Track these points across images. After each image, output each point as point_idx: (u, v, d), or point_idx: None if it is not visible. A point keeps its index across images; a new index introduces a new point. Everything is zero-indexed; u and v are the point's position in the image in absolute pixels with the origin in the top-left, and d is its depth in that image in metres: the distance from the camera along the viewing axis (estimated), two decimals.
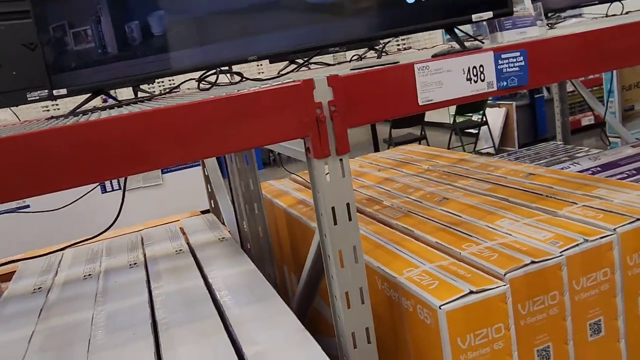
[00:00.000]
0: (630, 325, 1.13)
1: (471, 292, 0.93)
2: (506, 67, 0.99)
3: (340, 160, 0.90)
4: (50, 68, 1.31)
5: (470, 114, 6.05)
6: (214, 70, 1.39)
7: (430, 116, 6.34)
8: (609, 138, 3.37)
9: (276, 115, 0.86)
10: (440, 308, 0.91)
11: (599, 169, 1.86)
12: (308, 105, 0.87)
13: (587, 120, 6.06)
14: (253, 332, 1.01)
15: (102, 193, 4.84)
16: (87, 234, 1.92)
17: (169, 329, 1.09)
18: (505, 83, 1.00)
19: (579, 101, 6.06)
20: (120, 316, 1.20)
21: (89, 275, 1.52)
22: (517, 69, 1.00)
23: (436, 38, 7.59)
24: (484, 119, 5.83)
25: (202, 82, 1.40)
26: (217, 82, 1.38)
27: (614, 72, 3.20)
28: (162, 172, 5.02)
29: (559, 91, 3.12)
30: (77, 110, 1.39)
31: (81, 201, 4.44)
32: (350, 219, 0.92)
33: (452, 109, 6.14)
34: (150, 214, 2.73)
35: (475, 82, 0.98)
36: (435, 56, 0.99)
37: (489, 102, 5.90)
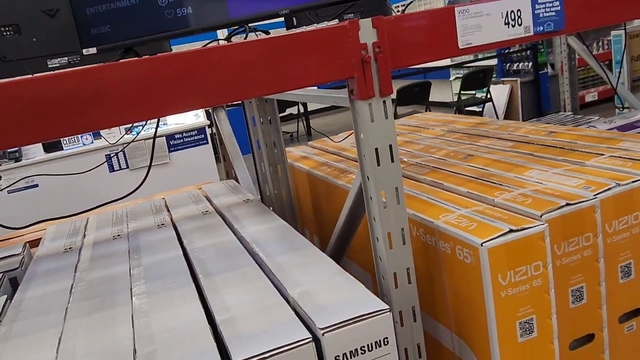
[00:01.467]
0: None
1: (511, 231, 0.95)
2: (543, 12, 1.00)
3: (384, 102, 0.92)
4: (80, 26, 1.31)
5: (474, 92, 6.05)
6: (242, 29, 1.40)
7: (433, 95, 6.35)
8: (621, 106, 3.39)
9: (323, 56, 0.87)
10: (482, 245, 0.93)
11: (615, 129, 1.88)
12: (354, 46, 0.88)
13: (590, 96, 6.08)
14: (294, 276, 1.03)
15: (110, 172, 4.86)
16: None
17: (210, 277, 1.11)
18: (542, 28, 1.01)
19: (582, 77, 6.07)
20: (157, 268, 1.22)
21: (118, 235, 1.54)
22: (553, 13, 1.01)
23: (437, 4, 7.57)
24: (489, 96, 5.83)
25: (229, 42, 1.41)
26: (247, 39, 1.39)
27: (624, 42, 3.21)
28: (169, 151, 5.03)
29: (569, 62, 3.13)
30: None
31: (89, 179, 4.46)
32: (392, 161, 0.94)
33: (456, 87, 6.14)
34: (160, 191, 2.74)
35: (513, 26, 0.99)
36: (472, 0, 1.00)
37: (493, 79, 5.91)
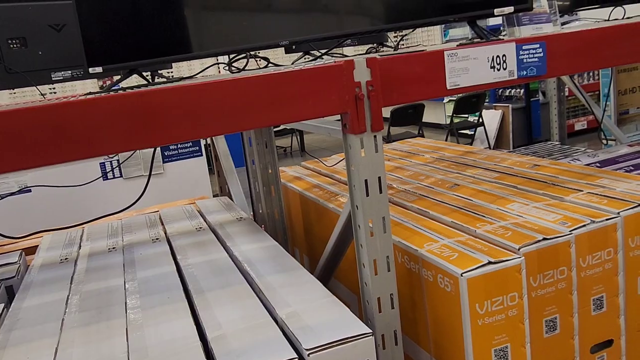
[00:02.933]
0: (630, 303, 1.22)
1: (490, 263, 1.01)
2: (526, 58, 1.07)
3: (375, 136, 0.98)
4: (88, 44, 1.37)
5: (467, 115, 6.16)
6: (242, 55, 1.46)
7: (427, 116, 6.44)
8: (605, 139, 3.48)
9: (319, 92, 0.93)
10: (462, 275, 0.99)
11: (597, 164, 1.95)
12: (348, 84, 0.94)
13: (580, 125, 6.20)
14: (283, 297, 1.08)
15: (104, 180, 4.89)
16: (90, 218, 1.98)
17: (202, 293, 1.16)
18: (525, 72, 1.08)
19: (573, 106, 6.20)
20: (151, 282, 1.26)
21: (113, 248, 1.59)
22: (536, 59, 1.08)
23: (435, 38, 7.71)
24: (481, 120, 5.94)
25: (231, 67, 1.47)
26: (246, 67, 1.45)
27: (612, 76, 3.31)
28: (163, 161, 5.07)
29: (557, 93, 3.23)
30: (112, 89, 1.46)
31: (84, 188, 4.48)
32: (380, 192, 1.00)
33: (449, 109, 6.24)
34: (153, 202, 2.79)
35: (499, 70, 1.06)
36: (461, 45, 1.06)
37: (485, 104, 6.02)
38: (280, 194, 1.75)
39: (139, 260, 1.44)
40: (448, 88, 1.02)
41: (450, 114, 6.03)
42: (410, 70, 1.00)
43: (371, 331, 0.91)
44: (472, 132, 6.15)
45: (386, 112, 5.75)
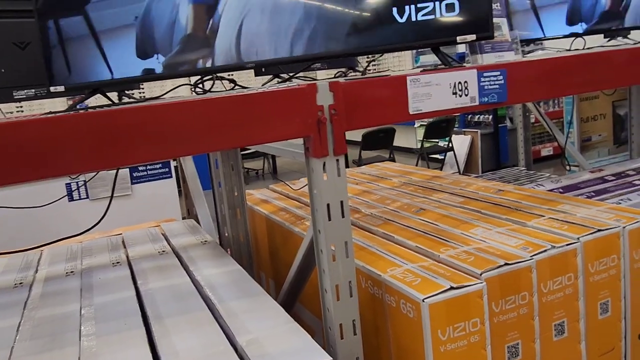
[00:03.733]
0: (591, 328, 1.22)
1: (451, 288, 1.01)
2: (488, 84, 1.09)
3: (337, 160, 0.97)
4: (50, 64, 1.34)
5: (437, 140, 6.25)
6: (208, 77, 1.45)
7: (398, 140, 6.51)
8: (568, 166, 3.57)
9: (282, 115, 0.92)
10: (423, 301, 0.98)
11: (561, 190, 1.98)
12: (311, 108, 0.94)
13: (546, 151, 6.35)
14: (243, 323, 1.06)
15: (69, 201, 4.77)
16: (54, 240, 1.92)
17: (161, 320, 1.12)
18: (486, 99, 1.10)
19: (539, 133, 6.35)
20: (109, 308, 1.22)
21: (71, 272, 1.53)
22: (497, 86, 1.10)
23: (406, 64, 7.84)
24: (450, 145, 6.03)
25: (197, 88, 1.46)
26: (211, 89, 1.44)
27: (574, 104, 3.40)
28: (132, 183, 4.98)
29: (523, 120, 3.30)
30: (74, 109, 1.43)
31: (48, 208, 4.37)
32: (343, 216, 0.99)
33: (420, 134, 6.32)
34: (119, 224, 2.73)
35: (460, 96, 1.07)
36: (424, 71, 1.08)
37: (455, 129, 6.13)
38: (246, 217, 1.73)
39: (97, 285, 1.39)
40: (411, 113, 1.03)
41: (421, 139, 6.11)
42: (373, 95, 1.00)
43: (332, 358, 0.89)
44: (442, 157, 6.23)
45: (357, 135, 5.78)
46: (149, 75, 1.36)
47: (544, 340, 1.15)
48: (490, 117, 6.19)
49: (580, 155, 2.98)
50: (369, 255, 1.24)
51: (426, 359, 0.99)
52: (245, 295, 1.20)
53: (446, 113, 1.06)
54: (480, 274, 1.06)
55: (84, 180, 4.82)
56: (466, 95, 1.08)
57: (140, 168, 5.05)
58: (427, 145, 6.18)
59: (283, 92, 0.93)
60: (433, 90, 1.05)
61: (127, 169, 4.99)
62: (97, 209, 4.82)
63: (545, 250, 1.14)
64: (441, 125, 5.79)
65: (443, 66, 1.20)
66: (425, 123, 6.07)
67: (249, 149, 7.48)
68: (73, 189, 4.77)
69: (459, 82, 1.07)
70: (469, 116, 6.48)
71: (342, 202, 0.99)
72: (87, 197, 4.84)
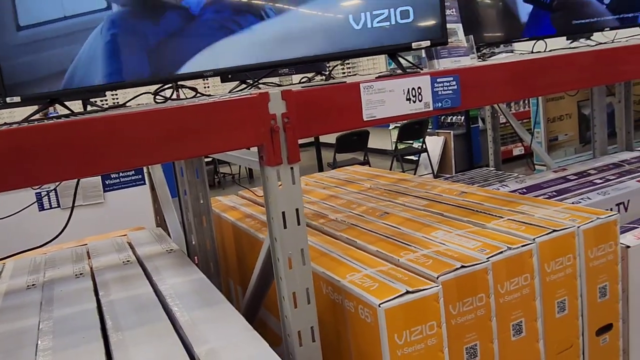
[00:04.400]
0: (548, 327, 1.25)
1: (407, 292, 1.02)
2: (441, 90, 1.11)
3: (291, 168, 0.98)
4: (5, 74, 1.32)
5: (411, 142, 6.30)
6: (169, 85, 1.45)
7: (373, 142, 6.55)
8: (535, 165, 3.64)
9: (234, 124, 0.93)
10: (379, 306, 0.99)
11: (524, 190, 2.02)
12: (263, 116, 0.94)
13: (517, 150, 6.45)
14: (203, 333, 1.06)
15: (40, 211, 4.69)
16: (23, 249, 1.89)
17: (119, 332, 1.11)
18: (440, 104, 1.11)
19: (511, 132, 6.44)
20: (68, 322, 1.20)
21: (33, 285, 1.51)
22: (450, 92, 1.12)
23: (380, 66, 7.89)
24: (424, 146, 6.09)
25: (157, 97, 1.45)
26: (172, 96, 1.43)
27: (540, 105, 3.47)
28: (104, 190, 4.92)
29: (492, 121, 3.35)
30: (30, 119, 1.41)
31: (17, 218, 4.29)
32: (299, 224, 1.00)
33: (395, 136, 6.37)
34: (91, 233, 2.69)
35: (414, 102, 1.09)
36: (379, 77, 1.09)
37: (428, 130, 6.19)
38: (212, 224, 1.72)
39: (58, 298, 1.37)
40: (364, 119, 1.04)
41: (395, 141, 6.16)
42: (327, 102, 1.01)
43: None
44: (417, 158, 6.29)
45: (332, 138, 5.77)
46: (108, 85, 1.35)
47: (502, 341, 1.17)
48: (463, 118, 6.27)
49: (546, 155, 3.04)
50: (330, 262, 1.24)
51: None
52: (206, 304, 1.20)
53: (400, 119, 1.08)
54: (437, 277, 1.07)
55: (54, 189, 4.74)
56: (420, 101, 1.10)
57: (112, 175, 4.99)
58: (401, 147, 6.23)
59: (235, 102, 0.93)
60: (387, 96, 1.06)
61: (99, 177, 4.92)
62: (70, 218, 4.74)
63: (501, 252, 1.16)
64: (414, 127, 5.84)
65: (400, 72, 1.21)
66: (399, 125, 6.12)
67: None
68: (43, 197, 4.69)
69: (413, 88, 1.09)
70: (442, 117, 6.55)
71: (297, 209, 0.99)
72: (59, 206, 4.77)
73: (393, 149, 6.28)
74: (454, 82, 1.12)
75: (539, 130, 3.56)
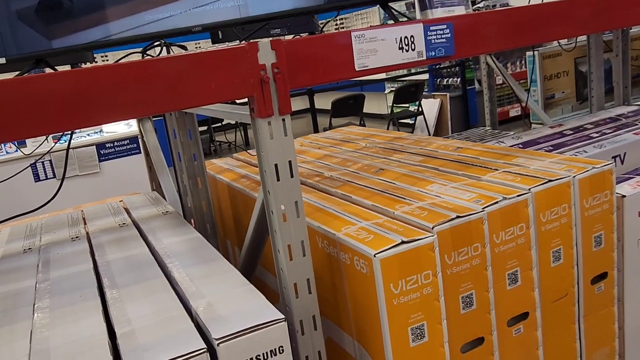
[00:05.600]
0: (544, 276, 1.26)
1: (403, 242, 1.02)
2: (434, 38, 1.08)
3: (283, 120, 0.96)
4: None
5: (407, 105, 6.25)
6: (157, 43, 1.42)
7: (369, 107, 6.50)
8: (532, 124, 3.62)
9: (222, 75, 0.91)
10: (374, 256, 0.99)
11: (520, 146, 2.01)
12: (252, 67, 0.92)
13: (514, 111, 6.41)
14: (199, 288, 1.06)
15: (36, 181, 4.68)
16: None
17: (116, 289, 1.12)
18: (433, 53, 1.09)
19: (508, 94, 6.39)
20: (64, 282, 1.21)
21: (29, 249, 1.51)
22: (444, 40, 1.09)
23: (373, 21, 7.78)
24: (420, 109, 6.04)
25: (146, 55, 1.42)
26: (161, 54, 1.40)
27: (537, 62, 3.43)
28: (99, 160, 4.90)
29: (488, 80, 3.31)
30: None
31: (14, 188, 4.27)
32: (292, 176, 0.99)
33: (391, 100, 6.32)
34: (88, 202, 2.69)
35: (407, 51, 1.06)
36: (371, 26, 1.06)
37: (424, 93, 6.13)
38: (207, 186, 1.72)
39: (54, 260, 1.37)
40: (357, 69, 1.02)
41: (391, 104, 6.11)
42: (317, 52, 0.99)
43: (284, 317, 0.89)
44: (413, 121, 6.25)
45: (327, 104, 5.72)
46: (95, 42, 1.32)
47: (498, 289, 1.18)
48: (459, 80, 6.21)
49: (543, 112, 3.02)
50: (326, 216, 1.24)
51: (380, 313, 1.01)
52: (202, 261, 1.20)
53: (393, 69, 1.06)
54: (432, 228, 1.07)
55: (49, 160, 4.72)
56: (413, 50, 1.07)
57: (107, 145, 4.96)
58: (397, 110, 6.19)
59: (223, 52, 0.90)
60: (379, 45, 1.03)
61: (94, 147, 4.89)
62: (66, 188, 4.73)
63: (496, 202, 1.16)
64: (410, 90, 5.79)
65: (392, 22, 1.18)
66: (395, 88, 6.07)
67: (221, 121, 7.40)
68: (39, 170, 4.67)
69: (405, 37, 1.06)
70: (438, 80, 6.49)
71: (290, 162, 0.98)
72: (54, 177, 4.75)
73: (389, 112, 6.23)
74: (448, 30, 1.10)
75: (535, 89, 3.52)
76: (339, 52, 1.01)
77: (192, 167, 1.70)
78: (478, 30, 1.14)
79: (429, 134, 6.28)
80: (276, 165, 0.97)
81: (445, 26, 1.09)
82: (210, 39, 2.05)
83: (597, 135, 2.02)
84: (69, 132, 1.72)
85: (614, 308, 1.40)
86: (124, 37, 1.28)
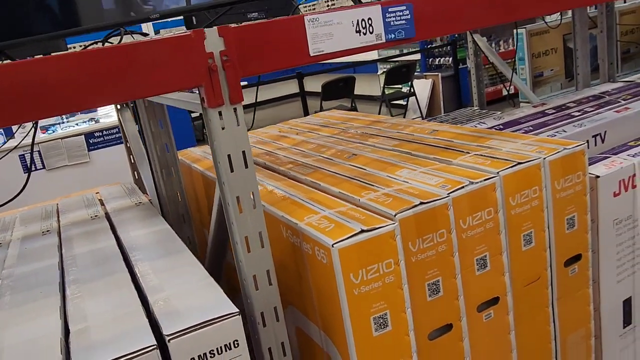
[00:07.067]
0: (514, 260, 1.24)
1: (362, 231, 1.00)
2: (393, 20, 1.05)
3: (235, 109, 0.94)
4: None
5: (399, 86, 6.20)
6: (117, 32, 1.38)
7: (361, 89, 6.44)
8: (521, 103, 3.58)
9: (168, 65, 0.88)
10: (332, 246, 0.97)
11: (501, 126, 1.98)
12: (200, 55, 0.89)
13: (505, 90, 6.35)
14: (159, 282, 1.04)
15: (25, 172, 4.65)
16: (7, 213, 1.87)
17: (78, 285, 1.10)
18: (393, 35, 1.06)
19: (500, 72, 6.32)
20: (28, 278, 1.19)
21: None
22: (403, 22, 1.06)
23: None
24: (412, 90, 5.99)
25: (105, 44, 1.39)
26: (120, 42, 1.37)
27: (525, 40, 3.38)
28: (88, 150, 4.87)
29: (475, 59, 3.27)
30: None
31: (2, 179, 4.23)
32: (246, 167, 0.96)
33: (382, 80, 6.26)
34: (78, 191, 2.68)
35: (365, 34, 1.03)
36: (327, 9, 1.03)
37: (416, 74, 6.07)
38: (180, 174, 1.69)
39: (22, 255, 1.35)
40: (311, 55, 0.99)
41: (382, 85, 6.06)
42: (269, 38, 0.96)
43: (237, 311, 0.88)
44: (405, 102, 6.20)
45: (317, 87, 5.67)
46: (52, 33, 1.29)
47: (466, 275, 1.16)
48: (451, 59, 6.15)
49: (529, 90, 2.98)
50: (291, 205, 1.22)
51: (341, 303, 0.99)
52: (166, 254, 1.18)
53: (350, 53, 1.03)
54: (395, 215, 1.05)
55: (39, 151, 4.69)
56: (371, 32, 1.04)
57: (96, 134, 4.93)
58: (389, 91, 6.14)
59: (167, 41, 0.88)
60: (334, 29, 1.00)
61: (83, 137, 4.86)
62: (55, 178, 4.72)
63: (462, 187, 1.14)
64: (402, 71, 5.73)
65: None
66: (386, 69, 6.01)
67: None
68: (27, 161, 4.64)
69: (363, 20, 1.03)
70: (430, 60, 6.42)
71: (244, 152, 0.96)
72: (44, 167, 4.73)
73: (381, 94, 6.18)
74: (407, 12, 1.06)
75: (523, 67, 3.48)
76: (292, 38, 0.97)
77: (165, 157, 1.68)
78: (440, 9, 1.10)
79: (422, 115, 6.24)
80: (229, 156, 0.95)
81: (404, 7, 1.06)
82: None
83: (579, 114, 1.99)
84: (36, 122, 1.69)
85: (588, 290, 1.39)
86: (82, 27, 1.25)
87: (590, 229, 1.36)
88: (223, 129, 0.93)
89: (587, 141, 1.75)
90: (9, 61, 1.01)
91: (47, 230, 1.53)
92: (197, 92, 0.94)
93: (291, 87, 8.09)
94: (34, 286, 1.14)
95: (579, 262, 1.35)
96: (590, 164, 1.40)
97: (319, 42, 0.99)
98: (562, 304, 1.34)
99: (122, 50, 0.84)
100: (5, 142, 4.67)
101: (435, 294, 1.12)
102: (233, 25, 0.92)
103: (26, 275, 1.21)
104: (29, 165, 4.58)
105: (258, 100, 2.20)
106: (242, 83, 0.96)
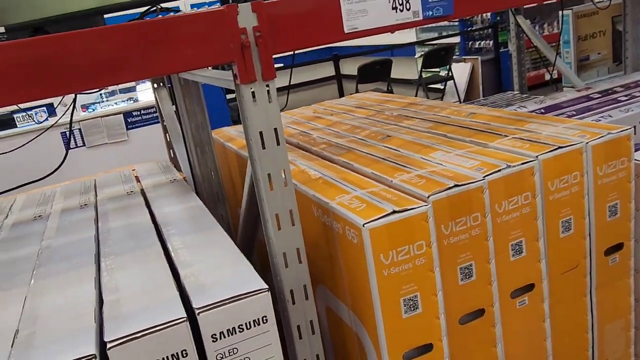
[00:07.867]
0: (552, 247, 1.20)
1: (394, 212, 0.98)
2: None
3: (267, 85, 0.93)
4: None
5: (437, 69, 6.08)
6: (154, 8, 1.39)
7: (398, 72, 6.35)
8: (565, 88, 3.46)
9: (201, 40, 0.87)
10: (363, 226, 0.96)
11: (542, 110, 1.92)
12: (232, 31, 0.89)
13: (549, 75, 6.15)
14: (191, 257, 1.05)
15: (66, 150, 4.79)
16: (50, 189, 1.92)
17: (112, 257, 1.12)
18: (431, 12, 1.03)
19: (544, 56, 6.12)
20: (66, 249, 1.22)
21: (39, 216, 1.54)
22: None
23: None
24: (450, 74, 5.87)
25: None
26: None
27: (570, 22, 3.25)
28: (127, 128, 4.97)
29: (516, 42, 3.17)
30: None
31: (44, 157, 4.37)
32: (278, 144, 0.96)
33: (420, 64, 6.15)
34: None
35: (401, 10, 1.00)
36: None
37: (455, 57, 5.94)
38: (214, 152, 1.70)
39: (60, 228, 1.39)
40: (346, 32, 0.97)
41: (420, 69, 5.95)
42: (302, 14, 0.94)
43: (267, 287, 0.88)
44: (443, 86, 6.09)
45: (353, 69, 5.60)
46: (86, 9, 1.31)
47: (500, 260, 1.13)
48: (491, 42, 5.98)
49: (573, 74, 2.88)
50: (323, 185, 1.21)
51: (370, 283, 0.99)
52: (198, 229, 1.19)
53: (386, 30, 1.00)
54: (428, 197, 1.03)
55: (80, 129, 4.81)
56: (408, 9, 1.01)
57: (134, 113, 5.02)
58: (426, 75, 6.03)
59: (200, 16, 0.87)
60: (369, 5, 0.98)
61: (121, 115, 4.96)
62: (95, 155, 4.84)
63: (499, 170, 1.11)
64: (440, 54, 5.62)
65: None
66: (424, 52, 5.90)
67: None
68: (69, 139, 4.77)
69: None
70: (470, 43, 6.27)
71: (275, 129, 0.95)
72: (84, 145, 4.86)
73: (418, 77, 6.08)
74: None
75: (568, 50, 3.35)
76: (326, 14, 0.96)
77: (199, 135, 1.69)
78: None
79: (459, 100, 6.11)
80: (261, 133, 0.94)
81: None
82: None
83: (626, 98, 1.91)
84: (76, 101, 1.72)
85: (629, 280, 1.34)
86: (118, 4, 1.26)
87: (634, 217, 1.31)
88: (255, 105, 0.93)
89: (634, 127, 1.67)
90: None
91: (85, 204, 1.57)
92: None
93: (327, 69, 8.04)
94: (71, 257, 1.17)
95: (620, 252, 1.30)
96: (636, 150, 1.34)
97: (354, 19, 0.97)
98: (601, 294, 1.30)
99: (156, 24, 0.84)
100: (47, 119, 4.80)
101: (468, 278, 1.10)
102: (267, 0, 0.91)
103: (64, 246, 1.24)
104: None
105: (293, 82, 2.19)
106: (277, 65, 0.95)
